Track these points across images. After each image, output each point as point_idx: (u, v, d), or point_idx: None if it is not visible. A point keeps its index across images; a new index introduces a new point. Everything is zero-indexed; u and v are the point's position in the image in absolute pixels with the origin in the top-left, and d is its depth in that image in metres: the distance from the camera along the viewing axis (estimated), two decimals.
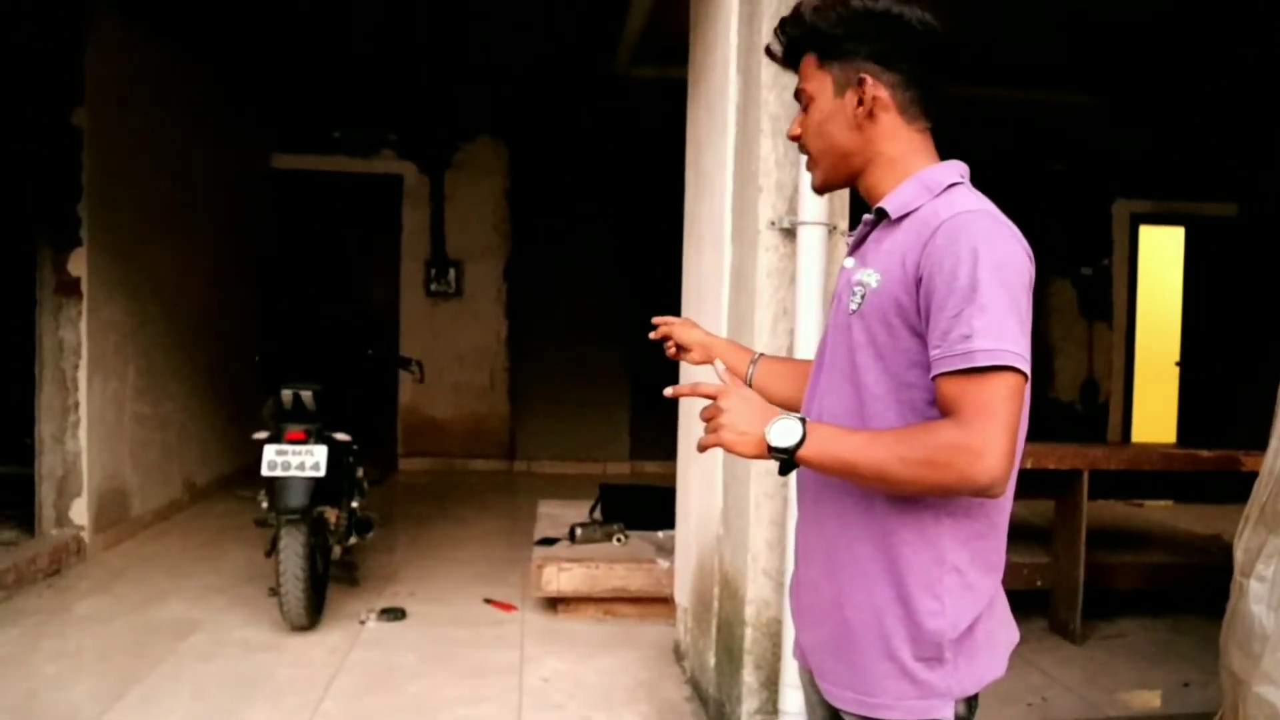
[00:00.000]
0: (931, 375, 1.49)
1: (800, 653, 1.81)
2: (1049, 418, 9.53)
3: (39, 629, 4.70)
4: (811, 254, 3.26)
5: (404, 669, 4.35)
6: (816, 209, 3.25)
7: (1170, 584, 5.23)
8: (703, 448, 1.58)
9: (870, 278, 1.60)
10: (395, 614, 4.99)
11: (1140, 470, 5.10)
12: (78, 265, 5.79)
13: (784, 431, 1.50)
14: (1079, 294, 9.79)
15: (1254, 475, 2.22)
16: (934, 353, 1.48)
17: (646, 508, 5.58)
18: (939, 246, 1.49)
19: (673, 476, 4.81)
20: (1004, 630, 1.67)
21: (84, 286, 5.81)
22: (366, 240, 9.59)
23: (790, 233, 3.36)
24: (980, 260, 1.46)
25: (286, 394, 4.84)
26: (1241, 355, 8.62)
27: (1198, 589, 5.03)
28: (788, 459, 1.51)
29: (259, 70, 8.49)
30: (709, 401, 1.58)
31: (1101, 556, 4.96)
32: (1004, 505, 1.61)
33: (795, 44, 1.72)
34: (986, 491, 1.45)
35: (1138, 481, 5.23)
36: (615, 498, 5.88)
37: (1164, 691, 4.35)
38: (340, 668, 4.33)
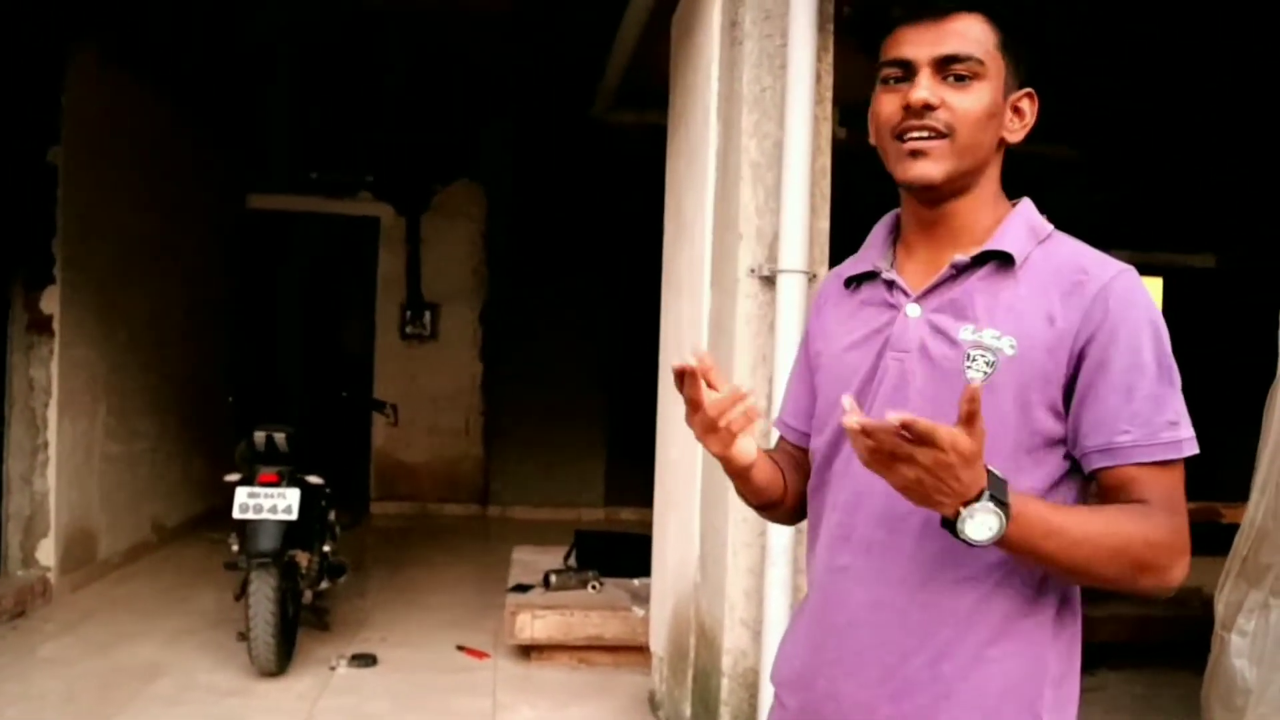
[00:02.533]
0: (1107, 464, 1.33)
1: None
2: None
3: (1, 671, 4.60)
4: (791, 301, 3.27)
5: (375, 716, 4.29)
6: (796, 257, 3.27)
7: (1150, 637, 5.22)
8: (898, 488, 1.22)
9: (999, 342, 1.36)
10: (366, 660, 4.92)
11: None
12: (50, 303, 5.74)
13: (980, 527, 1.21)
14: None
15: (1234, 528, 2.22)
16: (1121, 438, 1.32)
17: (622, 555, 5.54)
18: (1113, 314, 1.34)
19: (648, 523, 4.78)
20: None
21: (56, 325, 5.76)
22: (342, 282, 9.55)
23: (770, 280, 3.36)
24: (1161, 334, 1.35)
25: (259, 436, 4.81)
26: (1220, 406, 8.67)
27: (1178, 642, 5.03)
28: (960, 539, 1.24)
29: (236, 110, 8.47)
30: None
31: (1081, 608, 4.95)
32: None
33: None
34: (1169, 593, 1.32)
35: None
36: (591, 544, 5.84)
37: None
38: (310, 714, 4.26)
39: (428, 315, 9.50)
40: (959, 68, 1.39)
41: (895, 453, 1.17)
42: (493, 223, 9.50)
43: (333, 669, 4.82)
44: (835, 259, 3.50)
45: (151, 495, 7.24)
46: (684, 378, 1.37)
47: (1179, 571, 1.30)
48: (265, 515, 4.58)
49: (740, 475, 1.51)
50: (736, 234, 3.43)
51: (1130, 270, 1.39)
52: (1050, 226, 1.47)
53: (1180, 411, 1.33)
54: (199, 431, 7.90)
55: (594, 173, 8.91)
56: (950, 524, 1.22)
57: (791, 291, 3.27)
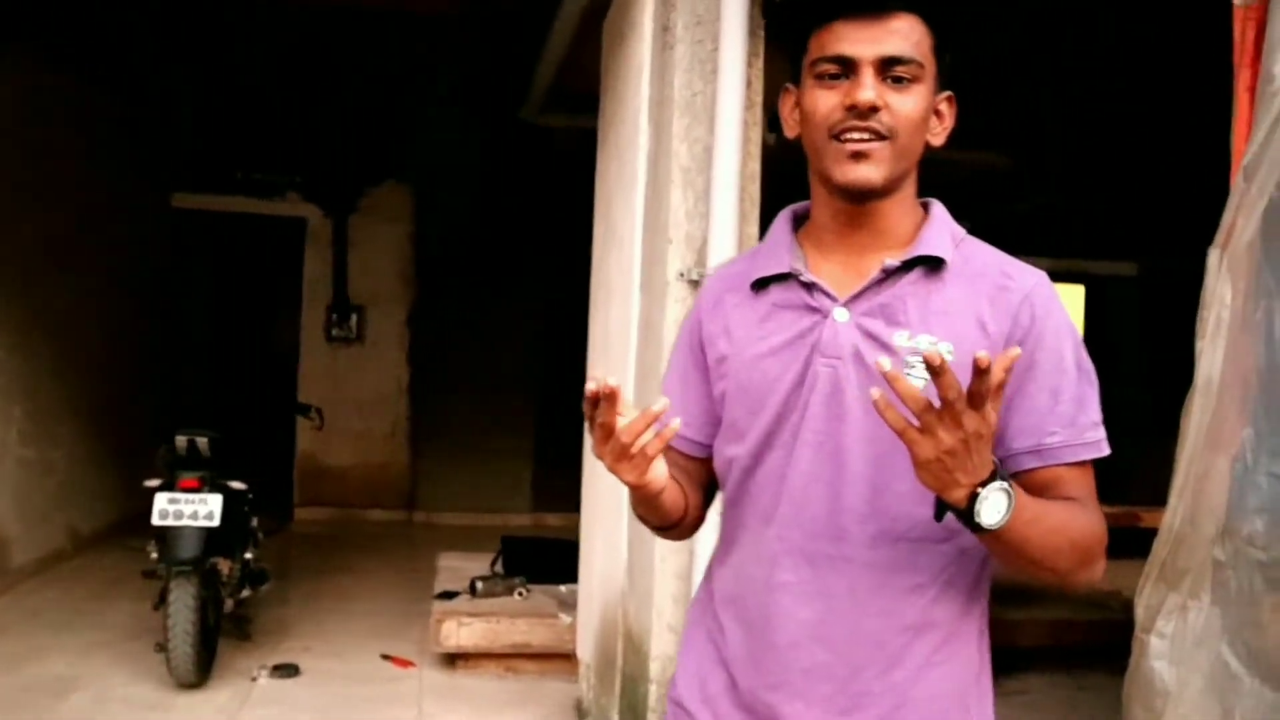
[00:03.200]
0: (1038, 464, 1.35)
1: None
2: None
3: None
4: None
5: None
6: (725, 261, 3.27)
7: (1074, 640, 5.31)
8: (921, 463, 1.20)
9: (939, 348, 1.34)
10: (289, 670, 4.83)
11: None
12: None
13: (994, 507, 1.21)
14: None
15: (1153, 532, 2.25)
16: (1050, 439, 1.34)
17: (549, 560, 5.51)
18: (1038, 319, 1.37)
19: (576, 529, 4.76)
20: None
21: None
22: (268, 284, 9.39)
23: (699, 284, 3.36)
24: (1078, 338, 1.39)
25: (181, 440, 4.71)
26: (1139, 413, 8.85)
27: (1101, 645, 5.11)
28: (967, 524, 1.24)
29: (161, 108, 8.30)
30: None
31: (1004, 613, 5.01)
32: None
33: None
34: (1090, 584, 1.38)
35: None
36: (518, 550, 5.81)
37: None
38: None
39: (354, 318, 9.37)
40: (900, 70, 1.36)
41: (944, 410, 1.15)
42: (421, 225, 9.40)
43: (254, 680, 4.73)
44: None
45: (67, 502, 7.04)
46: (598, 402, 1.28)
47: (1103, 566, 1.35)
48: (186, 522, 4.48)
49: (651, 501, 1.44)
50: (666, 238, 3.42)
51: (1045, 276, 1.43)
52: (963, 230, 1.48)
53: (1099, 412, 1.38)
54: (119, 435, 7.71)
55: (524, 176, 8.87)
56: (947, 511, 1.24)
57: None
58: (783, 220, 1.56)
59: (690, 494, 1.55)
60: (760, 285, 1.51)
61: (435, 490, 9.43)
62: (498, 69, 7.29)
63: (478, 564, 5.81)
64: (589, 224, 4.68)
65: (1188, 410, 2.18)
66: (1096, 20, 5.81)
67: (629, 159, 3.93)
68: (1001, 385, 1.15)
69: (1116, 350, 9.71)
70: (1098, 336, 10.09)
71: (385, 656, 5.16)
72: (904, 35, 1.36)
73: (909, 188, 1.46)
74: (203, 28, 7.04)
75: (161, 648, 4.50)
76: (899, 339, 1.39)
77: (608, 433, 1.30)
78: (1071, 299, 10.29)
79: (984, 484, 1.20)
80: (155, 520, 4.51)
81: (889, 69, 1.36)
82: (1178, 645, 2.18)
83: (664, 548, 3.39)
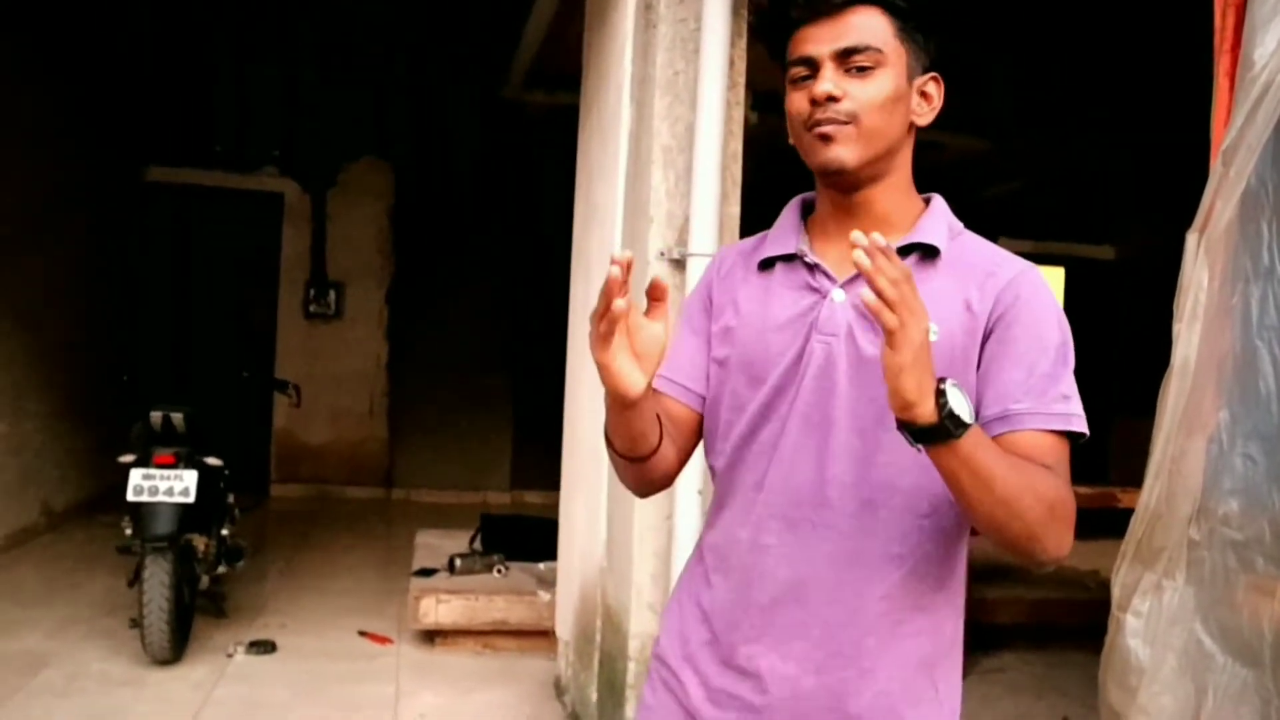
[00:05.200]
0: (1007, 429, 1.39)
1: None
2: None
3: None
4: None
5: (273, 705, 4.21)
6: (706, 241, 3.27)
7: (1050, 618, 5.36)
8: (889, 333, 1.20)
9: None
10: (265, 647, 4.83)
11: None
12: None
13: (963, 401, 1.25)
14: None
15: (1130, 512, 2.27)
16: (1016, 405, 1.39)
17: (528, 538, 5.51)
18: (1021, 300, 1.43)
19: (555, 507, 4.76)
20: None
21: None
22: (245, 259, 9.33)
23: (680, 263, 3.36)
24: (1064, 325, 1.44)
25: (156, 416, 4.69)
26: (1116, 395, 8.93)
27: (1077, 623, 5.17)
28: (942, 436, 1.25)
29: (134, 79, 8.20)
30: None
31: (981, 591, 5.05)
32: None
33: None
34: (1055, 561, 1.38)
35: None
36: (496, 528, 5.81)
37: None
38: (205, 703, 4.17)
39: (332, 294, 9.33)
40: (859, 59, 1.44)
41: (903, 297, 1.19)
42: (401, 201, 9.36)
43: (230, 656, 4.72)
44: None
45: (40, 477, 7.00)
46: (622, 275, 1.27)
47: (1071, 538, 1.36)
48: (161, 498, 4.46)
49: (628, 407, 1.41)
50: (647, 217, 3.42)
51: (1036, 268, 1.49)
52: (961, 224, 1.55)
53: (1073, 390, 1.41)
54: (93, 411, 7.66)
55: (504, 154, 8.84)
56: (911, 430, 1.25)
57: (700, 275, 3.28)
58: (793, 206, 1.64)
59: (666, 438, 1.56)
60: (768, 265, 1.59)
61: (413, 467, 9.42)
62: (480, 46, 7.25)
63: (456, 542, 5.81)
64: (569, 202, 4.66)
65: (1164, 392, 2.19)
66: (1077, 3, 5.83)
67: (611, 137, 3.92)
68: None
69: (1095, 333, 9.81)
70: (1076, 319, 10.18)
71: (362, 633, 5.16)
72: (859, 27, 1.44)
73: (899, 173, 1.52)
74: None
75: (136, 624, 4.49)
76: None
77: (610, 300, 1.29)
78: (1051, 281, 10.35)
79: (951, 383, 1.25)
80: (130, 496, 4.48)
81: (848, 59, 1.44)
82: (1153, 624, 2.20)
83: (643, 525, 3.40)
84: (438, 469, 9.38)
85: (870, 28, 1.44)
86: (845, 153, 1.44)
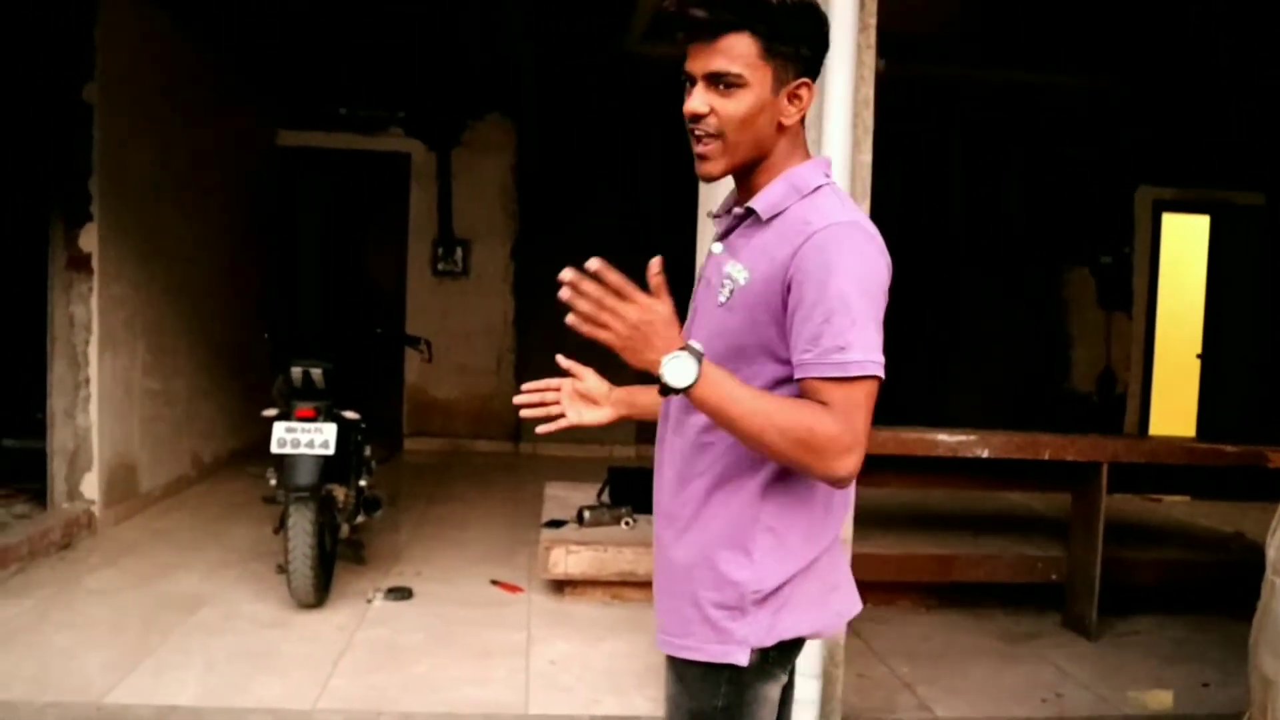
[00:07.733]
0: (798, 376, 1.62)
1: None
2: (1064, 409, 9.49)
3: (50, 601, 4.71)
4: None
5: (411, 648, 4.36)
6: None
7: (1189, 581, 5.15)
8: (617, 349, 1.60)
9: (739, 273, 1.72)
10: (402, 593, 5.00)
11: (1160, 464, 4.98)
12: (89, 241, 5.78)
13: (680, 371, 1.55)
14: (1097, 283, 9.68)
15: None
16: (803, 355, 1.61)
17: None
18: (811, 255, 1.62)
19: None
20: (833, 597, 1.84)
21: (94, 262, 5.80)
22: (374, 218, 9.55)
23: None
24: (850, 273, 1.60)
25: (296, 371, 4.84)
26: (1267, 349, 8.50)
27: (1217, 587, 4.98)
28: (670, 392, 1.58)
29: (265, 46, 8.43)
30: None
31: (1119, 551, 4.91)
32: (845, 490, 1.75)
33: (728, 17, 1.66)
34: (842, 483, 1.61)
35: (1155, 475, 5.09)
36: (624, 480, 5.86)
37: (1183, 691, 4.29)
38: (348, 645, 4.34)
39: (459, 251, 9.49)
40: (725, 79, 1.68)
41: (603, 308, 1.56)
42: (524, 157, 9.44)
43: (369, 601, 4.90)
44: (877, 194, 3.47)
45: (190, 430, 7.33)
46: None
47: (845, 465, 1.57)
48: (303, 450, 4.62)
49: (632, 419, 2.21)
50: None
51: (847, 223, 1.66)
52: (816, 184, 1.73)
53: (854, 339, 1.58)
54: (237, 367, 7.99)
55: (627, 106, 8.82)
56: (665, 386, 1.57)
57: None
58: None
59: None
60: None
61: (540, 422, 9.52)
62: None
63: (584, 494, 5.90)
64: (691, 155, 4.65)
65: None
66: None
67: None
68: (658, 289, 1.58)
69: (1242, 283, 9.35)
70: (1223, 268, 9.67)
71: (494, 582, 5.30)
72: (725, 52, 1.67)
73: (775, 158, 1.76)
74: None
75: (282, 569, 4.69)
76: (729, 267, 1.75)
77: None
78: (1195, 229, 9.87)
79: (672, 357, 1.55)
80: (274, 448, 4.65)
81: (717, 81, 1.69)
82: None
83: None
84: None
85: (738, 51, 1.66)
86: (712, 167, 1.75)
